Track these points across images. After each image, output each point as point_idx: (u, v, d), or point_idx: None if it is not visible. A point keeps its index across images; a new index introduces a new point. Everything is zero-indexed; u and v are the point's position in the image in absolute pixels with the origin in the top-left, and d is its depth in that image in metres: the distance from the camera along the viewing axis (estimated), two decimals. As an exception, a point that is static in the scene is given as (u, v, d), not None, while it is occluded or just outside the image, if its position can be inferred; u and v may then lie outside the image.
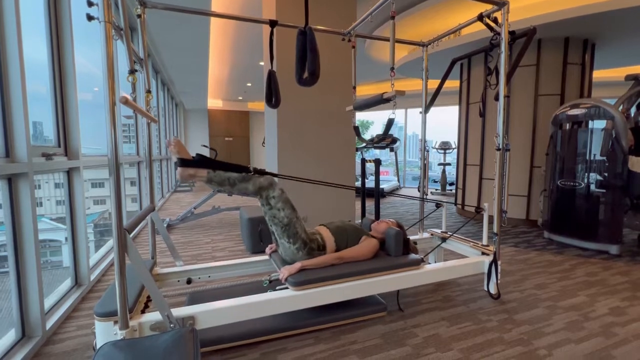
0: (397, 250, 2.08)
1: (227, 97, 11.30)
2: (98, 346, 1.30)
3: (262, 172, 1.87)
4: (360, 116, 18.12)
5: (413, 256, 2.09)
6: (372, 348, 1.67)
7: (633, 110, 3.61)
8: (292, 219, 1.87)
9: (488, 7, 2.13)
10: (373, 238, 2.12)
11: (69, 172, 2.29)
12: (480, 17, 2.20)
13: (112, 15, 1.26)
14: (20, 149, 1.64)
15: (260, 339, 1.72)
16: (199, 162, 1.74)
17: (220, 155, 8.51)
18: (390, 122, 2.07)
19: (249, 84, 9.14)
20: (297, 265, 1.82)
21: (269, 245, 2.20)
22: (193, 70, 6.63)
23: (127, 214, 4.14)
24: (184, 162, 1.71)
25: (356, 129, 2.63)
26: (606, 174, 3.18)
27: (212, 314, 1.56)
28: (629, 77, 3.64)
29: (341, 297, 1.83)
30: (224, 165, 1.80)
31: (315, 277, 1.78)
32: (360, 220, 2.54)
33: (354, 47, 2.53)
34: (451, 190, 7.63)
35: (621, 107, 3.56)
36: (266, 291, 1.74)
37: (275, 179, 1.89)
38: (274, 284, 1.92)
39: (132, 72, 1.64)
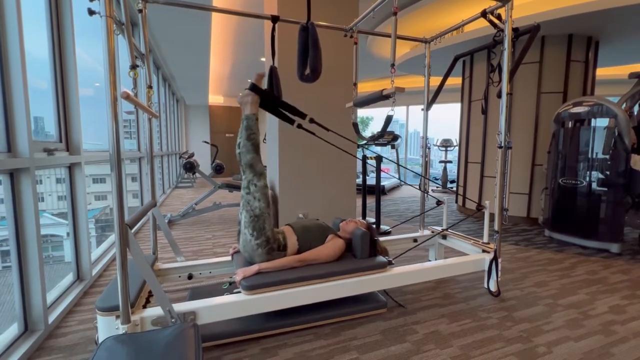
0: (363, 252, 1.98)
1: (228, 93, 11.28)
2: (100, 340, 1.31)
3: (307, 117, 2.06)
4: (361, 113, 18.05)
5: (380, 258, 1.99)
6: (372, 344, 1.68)
7: (636, 108, 3.59)
8: (264, 213, 1.83)
9: (492, 3, 2.11)
10: (339, 238, 2.04)
11: (71, 168, 2.30)
12: (483, 14, 2.19)
13: (113, 9, 1.25)
14: (22, 144, 1.65)
15: (260, 335, 1.73)
16: (265, 93, 1.99)
17: (221, 152, 8.54)
18: (388, 119, 2.05)
19: (251, 80, 9.12)
20: (254, 267, 1.75)
21: (233, 246, 2.15)
22: (194, 66, 6.61)
23: (128, 209, 4.15)
24: (254, 88, 1.95)
25: (355, 125, 2.61)
26: (608, 173, 3.17)
27: (213, 309, 1.56)
28: (632, 75, 3.62)
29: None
30: (283, 104, 2.00)
31: (270, 280, 1.69)
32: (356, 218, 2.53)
33: (356, 43, 2.51)
34: (452, 187, 7.63)
35: (624, 105, 3.54)
36: (223, 294, 1.69)
37: (265, 171, 1.95)
38: (233, 287, 1.83)
39: (134, 67, 1.65)
